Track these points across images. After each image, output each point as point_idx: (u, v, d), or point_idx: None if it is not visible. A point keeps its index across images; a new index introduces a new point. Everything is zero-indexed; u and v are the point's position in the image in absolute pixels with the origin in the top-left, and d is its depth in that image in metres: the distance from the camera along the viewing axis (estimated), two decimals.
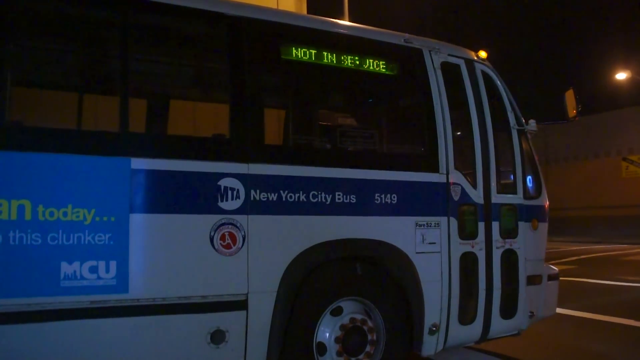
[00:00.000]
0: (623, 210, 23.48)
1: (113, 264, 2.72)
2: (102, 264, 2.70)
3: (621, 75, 23.22)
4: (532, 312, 3.97)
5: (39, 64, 3.35)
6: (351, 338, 3.30)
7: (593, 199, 24.95)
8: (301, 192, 3.16)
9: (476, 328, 3.72)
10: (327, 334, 3.26)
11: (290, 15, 3.43)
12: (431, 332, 3.52)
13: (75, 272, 2.65)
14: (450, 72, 3.84)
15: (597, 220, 24.20)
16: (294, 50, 3.33)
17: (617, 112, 25.92)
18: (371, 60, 3.60)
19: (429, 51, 3.79)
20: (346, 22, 3.65)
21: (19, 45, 3.06)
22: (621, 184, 24.10)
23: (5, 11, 2.74)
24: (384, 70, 3.67)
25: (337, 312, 3.31)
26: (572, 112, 4.11)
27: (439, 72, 3.76)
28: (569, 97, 4.11)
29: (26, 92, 3.33)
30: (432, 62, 3.77)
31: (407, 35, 3.80)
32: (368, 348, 3.35)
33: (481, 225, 3.75)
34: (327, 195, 3.23)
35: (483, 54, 4.15)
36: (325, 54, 3.45)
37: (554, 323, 4.91)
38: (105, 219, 2.72)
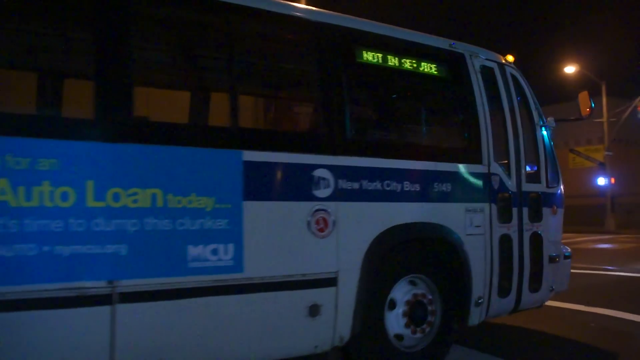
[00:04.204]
0: (570, 200, 25.20)
1: (231, 247, 3.02)
2: (221, 247, 2.99)
3: (570, 69, 24.95)
4: (552, 288, 4.57)
5: (172, 67, 3.55)
6: (415, 310, 3.76)
7: None
8: (377, 181, 3.56)
9: (510, 301, 4.27)
10: (398, 306, 3.70)
11: (362, 22, 3.78)
12: (477, 304, 4.03)
13: (200, 254, 2.93)
14: (486, 75, 4.33)
15: None
16: (366, 54, 3.71)
17: (565, 104, 27.68)
18: (425, 63, 4.03)
19: (470, 55, 4.26)
20: (402, 28, 4.02)
21: (154, 50, 3.26)
22: (568, 175, 25.85)
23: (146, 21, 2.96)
24: (435, 72, 4.10)
25: (404, 286, 3.75)
26: (585, 110, 4.71)
27: (479, 75, 4.24)
28: (583, 97, 4.71)
29: (160, 93, 3.51)
30: (473, 66, 4.24)
31: (451, 41, 4.26)
32: (429, 318, 3.82)
33: (514, 211, 4.28)
34: (397, 184, 3.65)
35: (510, 57, 4.67)
36: (389, 57, 3.84)
37: None
38: (223, 206, 3.01)
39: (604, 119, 24.66)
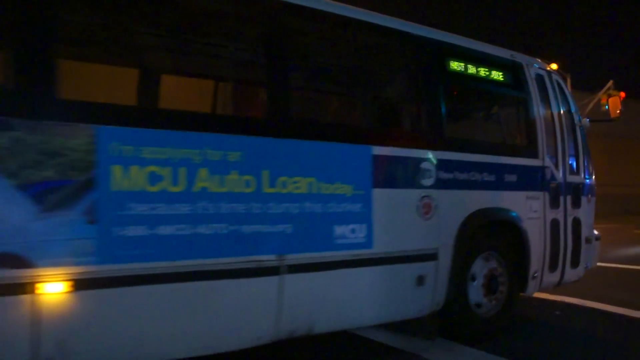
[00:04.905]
0: None
1: (364, 227, 3.58)
2: (357, 227, 3.55)
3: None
4: (586, 265, 5.34)
5: (329, 80, 4.04)
6: (491, 282, 4.42)
7: None
8: (465, 172, 4.18)
9: (557, 275, 5.00)
10: (477, 278, 4.36)
11: (449, 36, 4.38)
12: (533, 278, 4.74)
13: (343, 233, 3.48)
14: (539, 82, 5.01)
15: None
16: (456, 65, 4.31)
17: None
18: (495, 72, 4.66)
19: (527, 65, 4.93)
20: (474, 40, 4.63)
21: (321, 68, 3.79)
22: None
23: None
24: (502, 79, 4.73)
25: (480, 262, 4.41)
26: (615, 113, 5.48)
27: (535, 82, 4.91)
28: (614, 101, 5.47)
29: (319, 98, 4.00)
30: (530, 74, 4.91)
31: (511, 51, 4.91)
32: (500, 288, 4.50)
33: (561, 199, 5.00)
34: (479, 175, 4.28)
35: (554, 66, 5.37)
36: (469, 66, 4.45)
37: None
38: (358, 192, 3.56)
39: None
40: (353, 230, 3.54)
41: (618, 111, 5.49)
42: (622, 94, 5.54)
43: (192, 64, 4.27)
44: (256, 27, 3.53)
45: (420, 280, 3.90)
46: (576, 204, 5.18)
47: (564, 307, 5.58)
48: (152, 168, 2.81)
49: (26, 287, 2.49)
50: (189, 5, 3.39)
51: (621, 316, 5.22)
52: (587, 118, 5.45)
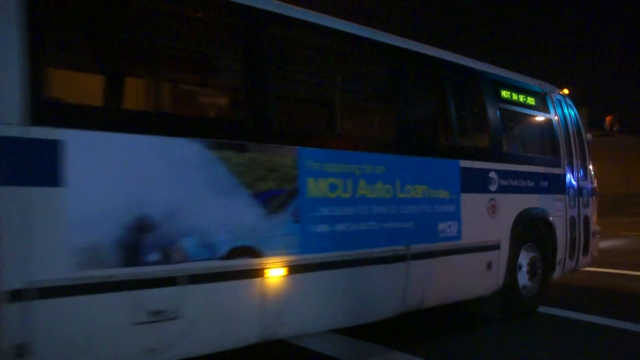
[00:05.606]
0: None
1: (456, 223, 4.56)
2: (452, 223, 4.52)
3: None
4: (592, 254, 6.57)
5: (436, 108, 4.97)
6: (532, 268, 5.52)
7: None
8: (515, 179, 5.26)
9: (574, 261, 6.19)
10: (523, 263, 5.44)
11: (502, 71, 5.45)
12: (558, 264, 5.89)
13: (443, 228, 4.45)
14: (557, 105, 6.19)
15: None
16: (505, 93, 5.39)
17: None
18: (530, 98, 5.78)
19: (550, 92, 6.09)
20: (513, 73, 5.74)
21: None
22: None
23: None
24: (534, 104, 5.86)
25: (523, 252, 5.49)
26: (612, 130, 6.76)
27: (555, 105, 6.09)
28: (611, 119, 6.75)
29: (425, 124, 4.96)
30: (552, 100, 6.07)
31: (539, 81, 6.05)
32: (538, 272, 5.61)
33: (577, 200, 6.20)
34: (524, 182, 5.37)
35: (566, 91, 6.57)
36: (512, 94, 5.54)
37: None
38: (452, 196, 4.54)
39: None
40: (450, 226, 4.51)
41: (614, 127, 6.78)
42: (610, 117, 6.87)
43: (357, 104, 5.53)
44: (397, 74, 4.50)
45: (489, 266, 4.93)
46: (586, 204, 6.40)
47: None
48: (331, 180, 3.66)
49: (257, 272, 3.28)
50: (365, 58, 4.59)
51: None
52: (589, 134, 6.69)
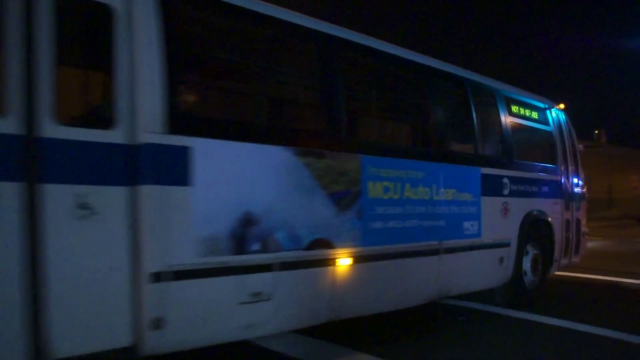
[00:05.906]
0: None
1: (477, 222, 5.21)
2: (474, 222, 5.17)
3: None
4: (582, 253, 7.35)
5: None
6: (535, 263, 6.23)
7: None
8: (522, 185, 5.95)
9: (567, 259, 6.95)
10: (528, 260, 6.14)
11: (509, 86, 6.14)
12: (555, 261, 6.63)
13: (466, 227, 5.09)
14: (556, 118, 6.93)
15: None
16: (513, 107, 6.08)
17: None
18: (535, 113, 6.50)
19: (551, 107, 6.83)
20: (520, 89, 6.44)
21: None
22: None
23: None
24: (537, 118, 6.58)
25: (529, 248, 6.20)
26: (600, 142, 7.57)
27: (554, 119, 6.82)
28: (601, 132, 7.56)
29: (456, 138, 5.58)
30: (551, 114, 6.81)
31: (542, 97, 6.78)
32: (540, 267, 6.33)
33: (570, 204, 6.96)
34: (529, 187, 6.08)
35: (562, 105, 7.33)
36: (520, 108, 6.23)
37: None
38: (475, 199, 5.18)
39: None
40: (472, 225, 5.16)
41: (603, 139, 7.59)
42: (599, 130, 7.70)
43: (405, 120, 6.31)
44: (440, 96, 5.24)
45: (501, 261, 5.60)
46: (578, 208, 7.17)
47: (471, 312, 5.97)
48: (385, 183, 4.24)
49: (329, 262, 3.84)
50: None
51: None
52: (581, 145, 7.47)
